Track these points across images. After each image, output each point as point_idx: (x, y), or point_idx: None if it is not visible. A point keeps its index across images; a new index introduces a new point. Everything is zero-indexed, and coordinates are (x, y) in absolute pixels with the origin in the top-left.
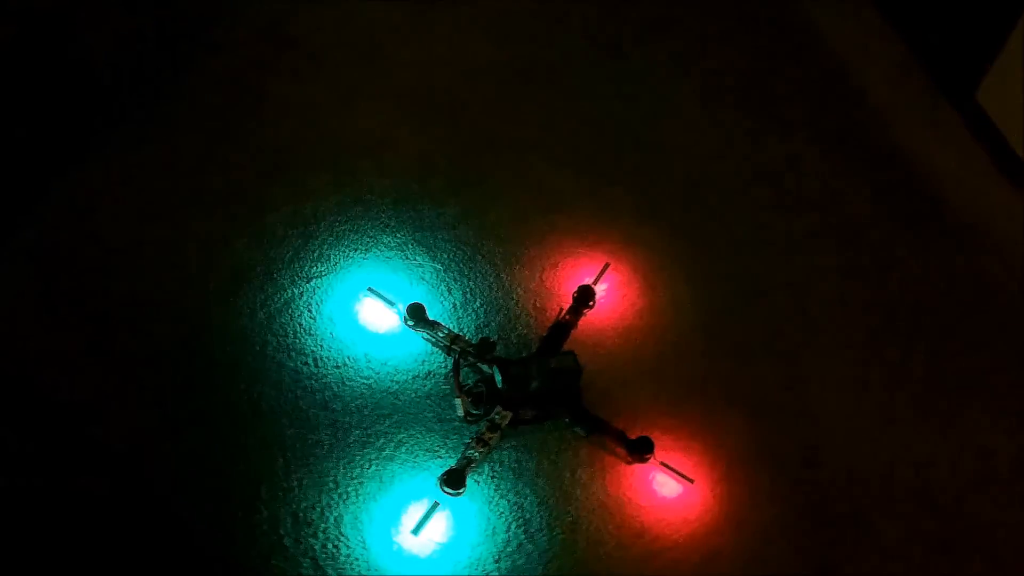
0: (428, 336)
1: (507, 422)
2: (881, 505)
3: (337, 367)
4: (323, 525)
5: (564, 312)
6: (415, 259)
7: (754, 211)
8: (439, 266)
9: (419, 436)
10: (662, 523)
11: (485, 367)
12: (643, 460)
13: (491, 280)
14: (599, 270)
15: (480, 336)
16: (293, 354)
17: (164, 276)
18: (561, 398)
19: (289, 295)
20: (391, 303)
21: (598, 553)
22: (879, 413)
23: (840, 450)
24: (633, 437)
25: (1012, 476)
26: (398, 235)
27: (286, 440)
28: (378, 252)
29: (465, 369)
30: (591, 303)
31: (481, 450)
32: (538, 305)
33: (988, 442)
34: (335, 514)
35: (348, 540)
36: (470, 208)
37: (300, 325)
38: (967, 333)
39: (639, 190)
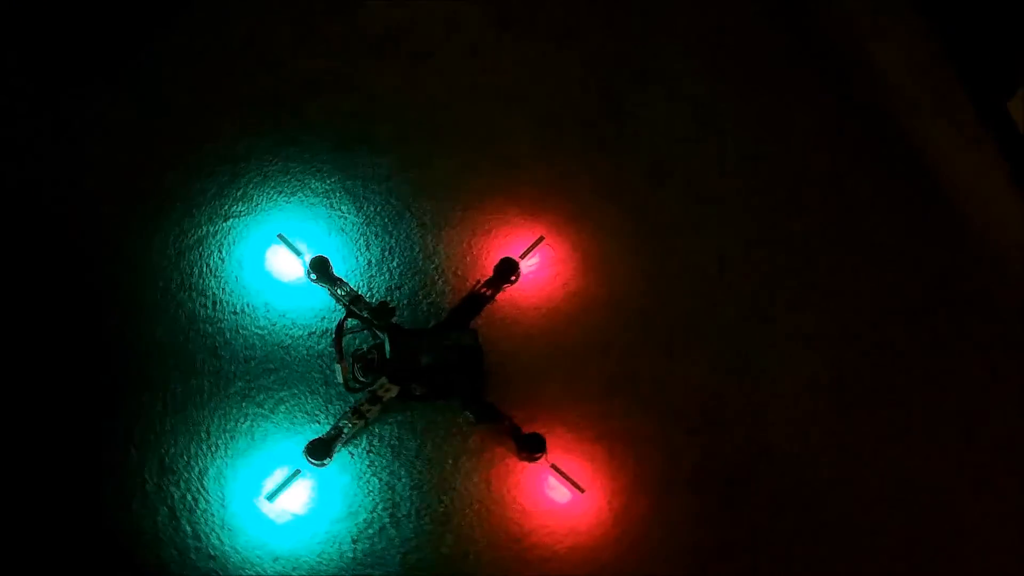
0: (331, 292)
1: (391, 395)
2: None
3: (235, 313)
4: (187, 475)
5: (481, 284)
6: (340, 208)
7: (728, 203)
8: (362, 219)
9: (302, 397)
10: (544, 530)
11: (381, 334)
12: (532, 459)
13: (414, 240)
14: (533, 249)
15: (380, 300)
16: (194, 294)
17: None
18: (455, 378)
19: (203, 232)
20: (298, 253)
21: (466, 551)
22: (834, 430)
23: (780, 471)
24: (528, 432)
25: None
26: (328, 181)
27: (169, 382)
28: (303, 197)
29: (364, 334)
30: (513, 278)
31: (356, 422)
32: (459, 273)
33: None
34: (201, 466)
35: (208, 495)
36: (412, 159)
37: (207, 265)
38: (954, 338)
39: (603, 165)
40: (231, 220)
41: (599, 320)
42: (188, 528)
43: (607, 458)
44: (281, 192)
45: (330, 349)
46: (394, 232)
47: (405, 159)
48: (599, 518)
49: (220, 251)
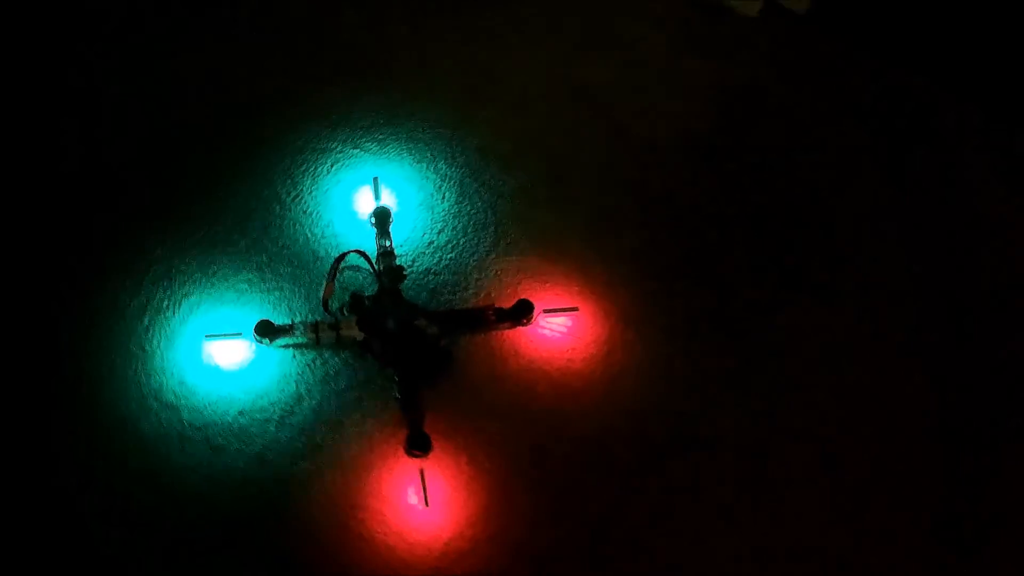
0: (376, 236)
1: (351, 335)
2: None
3: (304, 212)
4: (176, 289)
5: (492, 309)
6: (445, 193)
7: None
8: (454, 211)
9: (296, 296)
10: (378, 515)
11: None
12: (411, 454)
13: (480, 252)
14: (565, 310)
15: (399, 264)
16: (287, 182)
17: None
18: (404, 353)
19: (331, 147)
20: (376, 199)
21: (307, 484)
22: None
23: None
24: (423, 432)
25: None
26: (453, 168)
27: (218, 222)
28: (424, 169)
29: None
30: (524, 321)
31: (308, 334)
32: (491, 295)
33: None
34: (189, 289)
35: (177, 310)
36: (531, 193)
37: (314, 170)
38: None
39: (692, 288)
40: (358, 150)
41: (571, 408)
42: (146, 321)
43: (477, 508)
44: (412, 156)
45: (355, 282)
46: (470, 236)
47: (525, 190)
48: (428, 540)
49: (331, 166)
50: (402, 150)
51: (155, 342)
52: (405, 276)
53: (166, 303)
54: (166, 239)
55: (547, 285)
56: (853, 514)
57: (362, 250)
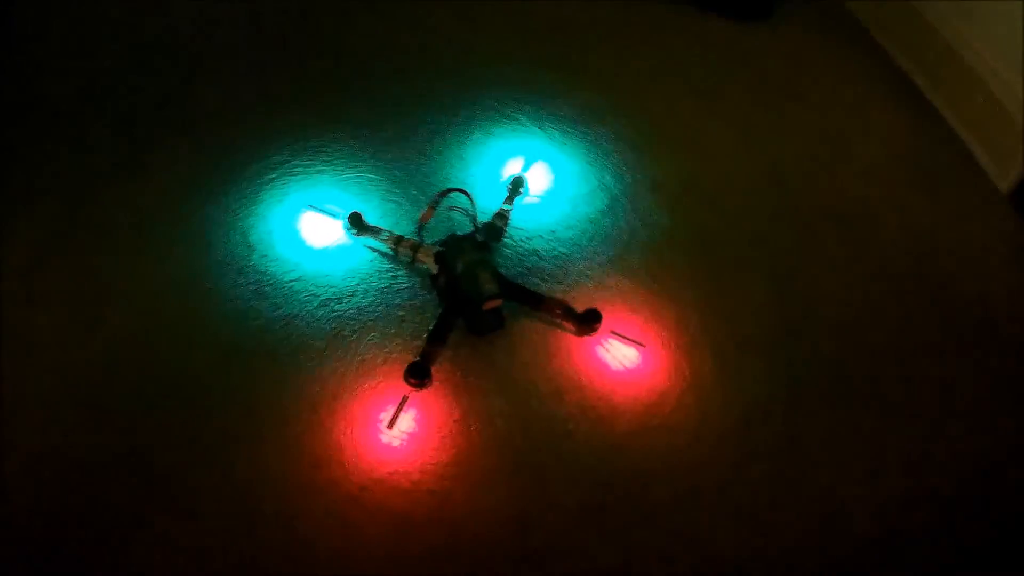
0: (506, 200)
1: (426, 263)
2: None
3: (459, 157)
4: (316, 162)
5: (566, 305)
6: (596, 200)
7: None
8: (595, 217)
9: (407, 219)
10: (346, 426)
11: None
12: (408, 381)
13: (594, 262)
14: (632, 341)
15: (500, 227)
16: (464, 128)
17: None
18: (455, 300)
19: (519, 118)
20: (523, 169)
21: (308, 362)
22: None
23: None
24: (422, 383)
25: None
26: (617, 185)
27: (386, 127)
28: (591, 173)
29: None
30: (586, 328)
31: (390, 244)
32: (577, 299)
33: None
34: (324, 168)
35: (305, 181)
36: (676, 235)
37: (490, 127)
38: None
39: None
40: (541, 131)
41: (584, 431)
42: (274, 175)
43: (438, 462)
44: (587, 158)
45: (449, 210)
46: (594, 244)
47: (672, 231)
48: (375, 461)
49: (507, 132)
50: (581, 149)
51: (270, 194)
52: (501, 236)
53: (299, 169)
54: (332, 122)
55: (635, 316)
56: None
57: (467, 191)
